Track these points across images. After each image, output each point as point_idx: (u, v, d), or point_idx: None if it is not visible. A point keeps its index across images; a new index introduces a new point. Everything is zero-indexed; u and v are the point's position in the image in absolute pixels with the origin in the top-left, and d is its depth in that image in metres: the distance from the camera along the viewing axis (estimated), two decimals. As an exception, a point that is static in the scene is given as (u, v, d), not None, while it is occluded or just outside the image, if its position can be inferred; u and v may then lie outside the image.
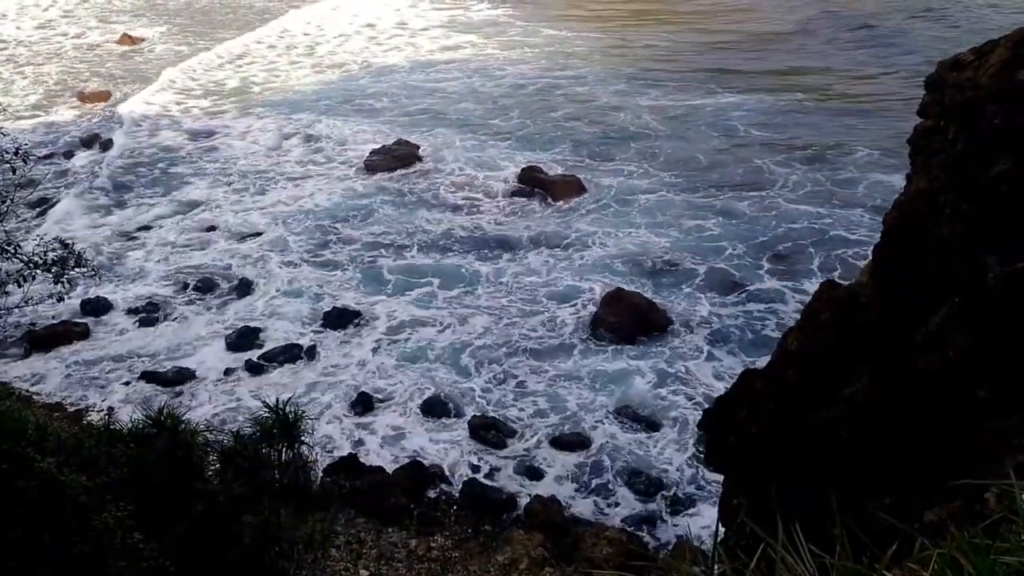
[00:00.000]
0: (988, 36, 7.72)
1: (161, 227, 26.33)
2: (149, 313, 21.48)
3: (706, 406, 16.39)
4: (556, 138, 32.40)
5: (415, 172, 29.45)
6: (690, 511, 14.86)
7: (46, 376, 19.13)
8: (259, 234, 25.52)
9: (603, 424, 17.02)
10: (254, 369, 19.03)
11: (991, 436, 5.66)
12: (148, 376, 18.87)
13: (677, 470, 15.80)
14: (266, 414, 11.83)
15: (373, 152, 30.41)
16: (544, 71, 41.13)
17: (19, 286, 10.36)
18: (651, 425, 16.85)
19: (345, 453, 16.43)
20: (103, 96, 38.88)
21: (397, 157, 29.97)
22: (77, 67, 44.46)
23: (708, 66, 40.81)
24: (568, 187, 27.15)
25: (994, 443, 5.60)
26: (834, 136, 31.34)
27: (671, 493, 15.26)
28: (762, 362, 14.72)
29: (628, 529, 14.40)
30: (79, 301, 21.26)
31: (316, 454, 15.92)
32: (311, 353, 19.58)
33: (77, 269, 11.24)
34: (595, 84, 38.81)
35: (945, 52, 9.92)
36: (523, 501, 15.01)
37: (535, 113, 35.30)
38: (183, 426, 9.91)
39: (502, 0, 56.66)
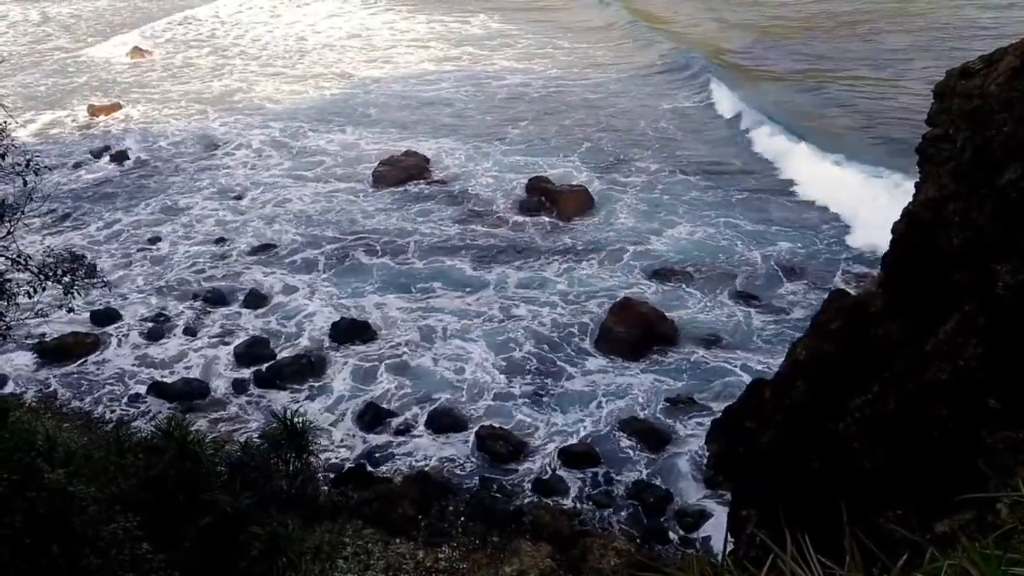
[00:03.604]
0: None
1: (170, 239, 26.46)
2: (159, 324, 21.56)
3: (715, 418, 16.33)
4: (566, 148, 32.43)
5: (424, 181, 29.55)
6: (699, 523, 14.76)
7: (56, 386, 19.21)
8: (268, 246, 25.61)
9: (611, 436, 16.96)
10: (263, 380, 19.05)
11: (1003, 446, 5.62)
12: (157, 387, 18.92)
13: (685, 482, 15.71)
14: (274, 425, 11.85)
15: (382, 162, 30.52)
16: (553, 80, 41.31)
17: (29, 297, 10.42)
18: (660, 437, 16.76)
19: (353, 464, 16.43)
20: (113, 109, 39.22)
21: (406, 167, 30.07)
22: (86, 79, 44.90)
23: (731, 68, 40.76)
24: (576, 197, 27.17)
25: (1006, 453, 5.55)
26: (869, 133, 30.99)
27: (679, 505, 15.17)
28: (772, 372, 14.65)
29: (636, 540, 14.33)
30: (89, 312, 21.38)
31: (324, 465, 15.98)
32: (320, 364, 19.59)
33: (87, 280, 11.29)
34: (609, 94, 38.90)
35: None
36: (530, 512, 14.95)
37: (547, 123, 35.41)
38: (191, 437, 9.92)
39: (489, 9, 57.08)
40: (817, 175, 27.93)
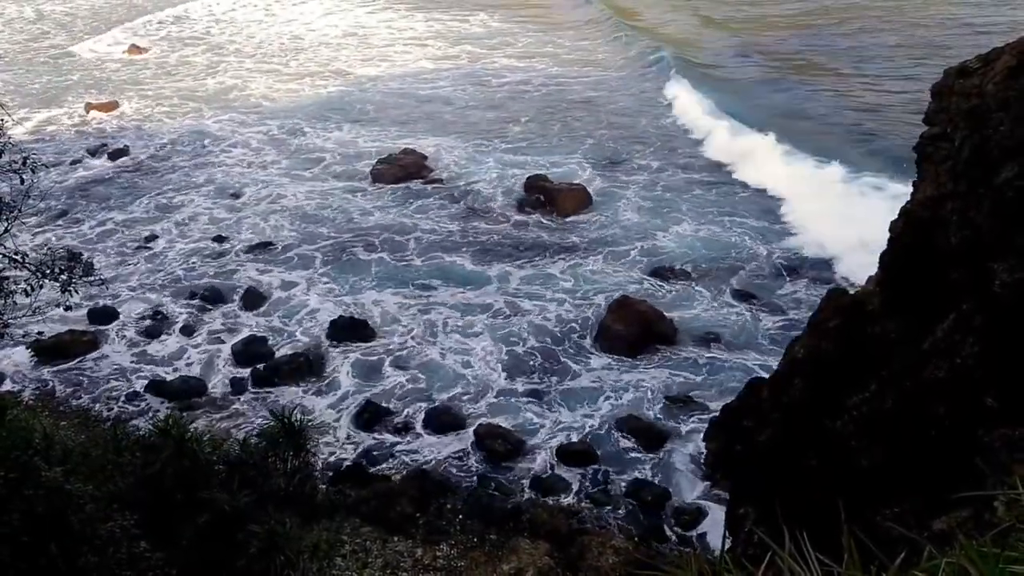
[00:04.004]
0: None
1: (167, 237, 26.43)
2: (156, 322, 21.53)
3: (713, 416, 16.36)
4: (565, 146, 32.42)
5: (421, 180, 29.52)
6: (697, 521, 14.78)
7: (53, 385, 19.18)
8: (266, 244, 25.59)
9: (609, 434, 16.96)
10: (261, 378, 19.03)
11: (999, 444, 5.63)
12: (154, 385, 18.91)
13: (684, 480, 15.72)
14: (272, 423, 11.85)
15: (380, 161, 30.51)
16: (555, 78, 41.27)
17: (27, 295, 10.40)
18: (658, 435, 16.77)
19: (351, 462, 16.43)
20: (110, 106, 39.15)
21: (403, 165, 30.05)
22: (83, 77, 44.81)
23: (736, 67, 40.80)
24: (574, 195, 27.17)
25: (1002, 451, 5.56)
26: (875, 134, 30.88)
27: (677, 503, 15.19)
28: (771, 370, 14.67)
29: (634, 538, 14.34)
30: (86, 310, 21.34)
31: (322, 463, 15.98)
32: (318, 362, 19.58)
33: (84, 278, 11.28)
34: (610, 91, 38.88)
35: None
36: (528, 510, 14.95)
37: (545, 120, 35.39)
38: (189, 435, 9.91)
39: (489, 7, 57.05)
40: (779, 174, 27.94)
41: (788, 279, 22.33)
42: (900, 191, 25.15)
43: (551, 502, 15.26)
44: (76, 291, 10.94)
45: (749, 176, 28.61)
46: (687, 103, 35.56)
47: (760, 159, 29.20)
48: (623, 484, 15.67)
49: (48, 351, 20.10)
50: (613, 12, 53.37)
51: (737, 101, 35.11)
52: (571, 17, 54.92)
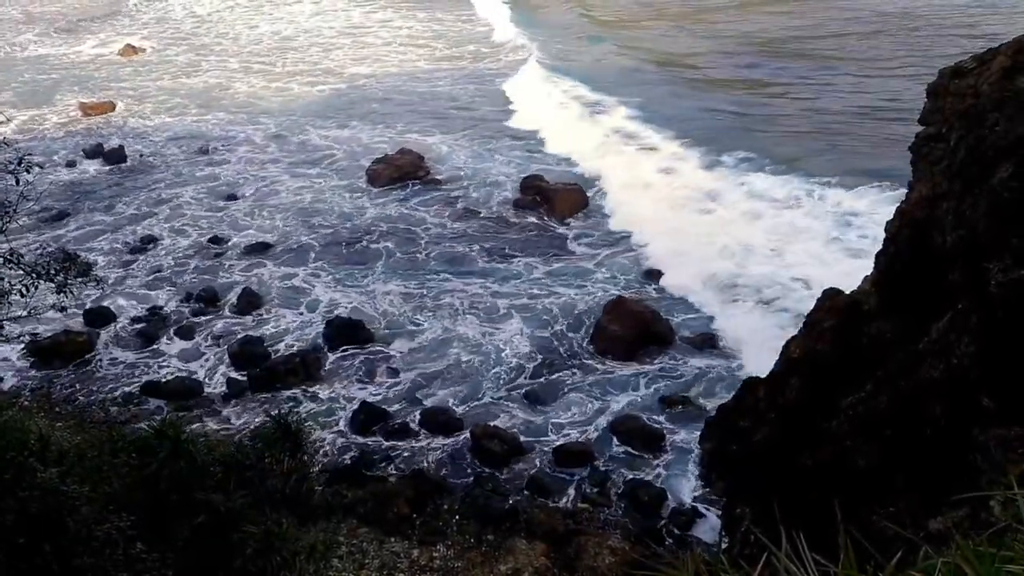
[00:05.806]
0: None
1: (164, 237, 26.38)
2: (152, 323, 21.48)
3: (709, 416, 16.38)
4: (562, 144, 32.40)
5: (418, 180, 29.49)
6: (693, 521, 14.78)
7: (49, 386, 19.12)
8: (263, 244, 25.55)
9: (606, 435, 16.96)
10: (258, 379, 18.98)
11: (995, 443, 5.64)
12: (151, 387, 18.86)
13: (680, 481, 15.72)
14: (269, 424, 11.82)
15: (376, 160, 30.47)
16: (554, 72, 41.24)
17: (22, 296, 10.35)
18: (654, 436, 16.77)
19: (348, 463, 16.41)
20: (105, 107, 39.05)
21: (400, 165, 29.98)
22: (77, 77, 44.69)
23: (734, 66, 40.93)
24: (570, 195, 27.15)
25: (998, 451, 5.57)
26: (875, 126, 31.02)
27: (674, 503, 15.19)
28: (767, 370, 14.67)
29: (631, 539, 14.33)
30: (82, 311, 21.28)
31: (319, 464, 15.96)
32: (315, 363, 19.53)
33: (80, 279, 11.23)
34: (610, 87, 38.93)
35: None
36: (525, 511, 14.95)
37: (545, 118, 35.33)
38: (185, 436, 9.88)
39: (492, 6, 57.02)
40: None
41: (784, 281, 22.35)
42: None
43: (548, 503, 15.25)
44: (72, 292, 10.89)
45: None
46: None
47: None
48: (620, 484, 15.67)
49: (44, 352, 20.05)
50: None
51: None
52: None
